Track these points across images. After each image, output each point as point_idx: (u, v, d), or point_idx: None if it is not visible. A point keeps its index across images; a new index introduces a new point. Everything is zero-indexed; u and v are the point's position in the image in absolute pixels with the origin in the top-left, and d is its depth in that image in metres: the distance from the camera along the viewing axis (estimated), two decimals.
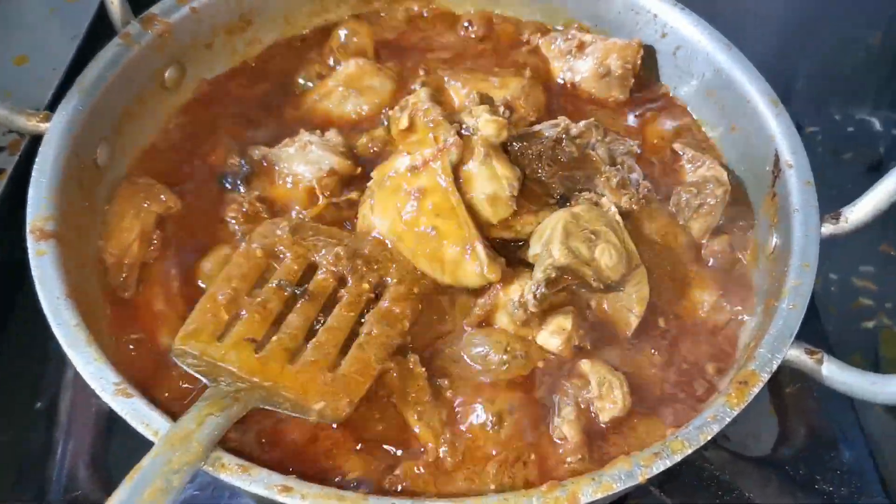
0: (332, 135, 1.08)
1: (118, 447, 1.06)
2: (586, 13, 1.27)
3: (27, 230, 0.88)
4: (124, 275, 0.96)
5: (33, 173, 0.92)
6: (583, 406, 0.89)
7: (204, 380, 0.83)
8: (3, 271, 1.16)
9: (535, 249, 0.97)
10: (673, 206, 1.07)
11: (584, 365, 0.91)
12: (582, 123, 1.07)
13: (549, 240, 0.95)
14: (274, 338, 0.87)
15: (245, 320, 0.88)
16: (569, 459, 0.86)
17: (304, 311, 0.91)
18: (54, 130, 0.96)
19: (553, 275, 0.91)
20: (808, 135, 1.62)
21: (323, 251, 0.95)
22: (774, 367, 0.85)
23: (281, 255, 0.95)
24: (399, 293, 0.94)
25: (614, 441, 0.88)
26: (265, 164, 1.06)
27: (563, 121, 1.08)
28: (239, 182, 1.05)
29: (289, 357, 0.86)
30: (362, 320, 0.92)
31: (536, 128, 1.08)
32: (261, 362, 0.84)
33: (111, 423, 1.07)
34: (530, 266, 0.96)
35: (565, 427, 0.87)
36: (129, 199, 1.01)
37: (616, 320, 0.97)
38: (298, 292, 0.92)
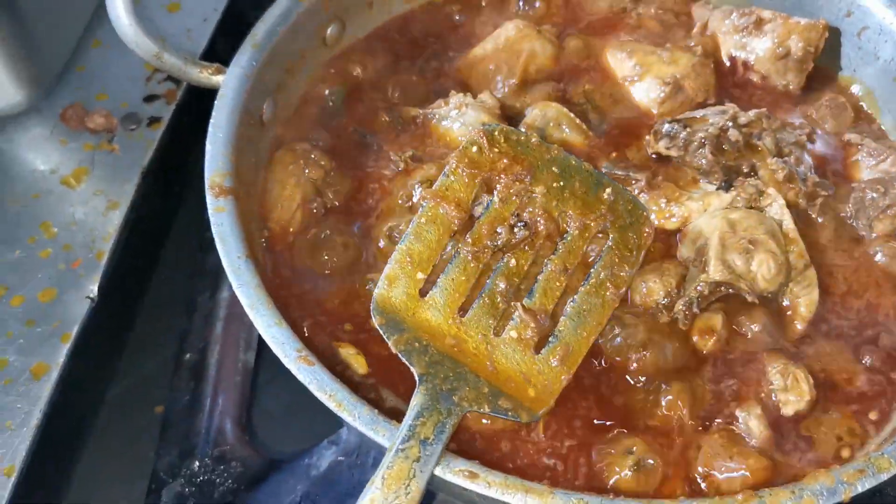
0: (487, 96, 1.06)
1: (264, 402, 1.07)
2: None
3: (206, 185, 0.87)
4: (290, 240, 0.94)
5: (210, 128, 0.91)
6: (765, 399, 0.85)
7: (413, 369, 0.76)
8: (153, 221, 1.16)
9: (686, 251, 0.94)
10: (852, 204, 1.00)
11: (763, 355, 0.87)
12: (752, 113, 1.00)
13: (702, 249, 0.91)
14: (476, 303, 0.79)
15: (448, 280, 0.80)
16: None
17: (510, 268, 0.80)
18: (229, 84, 0.95)
19: (706, 291, 0.88)
20: None
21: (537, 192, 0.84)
22: None
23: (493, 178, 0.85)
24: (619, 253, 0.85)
25: (798, 439, 0.83)
26: (418, 124, 1.05)
27: (731, 108, 1.02)
28: (388, 141, 1.03)
29: (493, 328, 0.78)
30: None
31: (701, 113, 1.03)
32: (468, 337, 0.76)
33: (256, 379, 1.08)
34: (674, 258, 0.93)
35: (752, 422, 0.82)
36: (288, 166, 0.98)
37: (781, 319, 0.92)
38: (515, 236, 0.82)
